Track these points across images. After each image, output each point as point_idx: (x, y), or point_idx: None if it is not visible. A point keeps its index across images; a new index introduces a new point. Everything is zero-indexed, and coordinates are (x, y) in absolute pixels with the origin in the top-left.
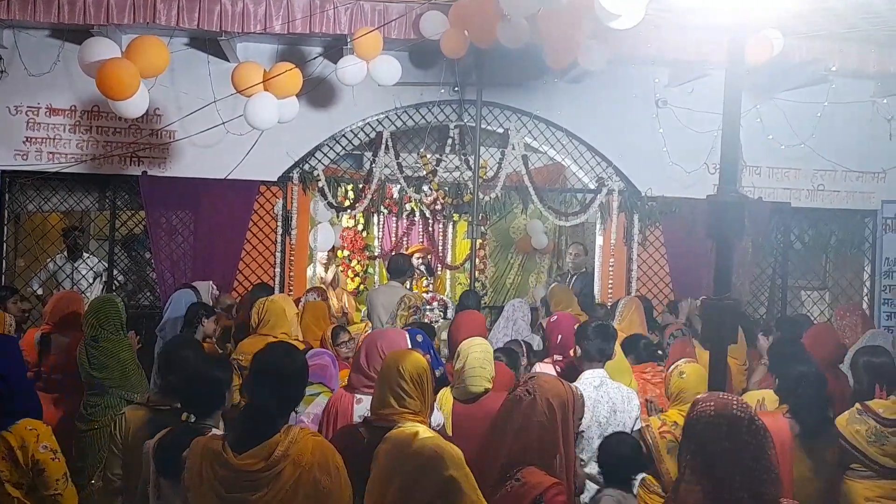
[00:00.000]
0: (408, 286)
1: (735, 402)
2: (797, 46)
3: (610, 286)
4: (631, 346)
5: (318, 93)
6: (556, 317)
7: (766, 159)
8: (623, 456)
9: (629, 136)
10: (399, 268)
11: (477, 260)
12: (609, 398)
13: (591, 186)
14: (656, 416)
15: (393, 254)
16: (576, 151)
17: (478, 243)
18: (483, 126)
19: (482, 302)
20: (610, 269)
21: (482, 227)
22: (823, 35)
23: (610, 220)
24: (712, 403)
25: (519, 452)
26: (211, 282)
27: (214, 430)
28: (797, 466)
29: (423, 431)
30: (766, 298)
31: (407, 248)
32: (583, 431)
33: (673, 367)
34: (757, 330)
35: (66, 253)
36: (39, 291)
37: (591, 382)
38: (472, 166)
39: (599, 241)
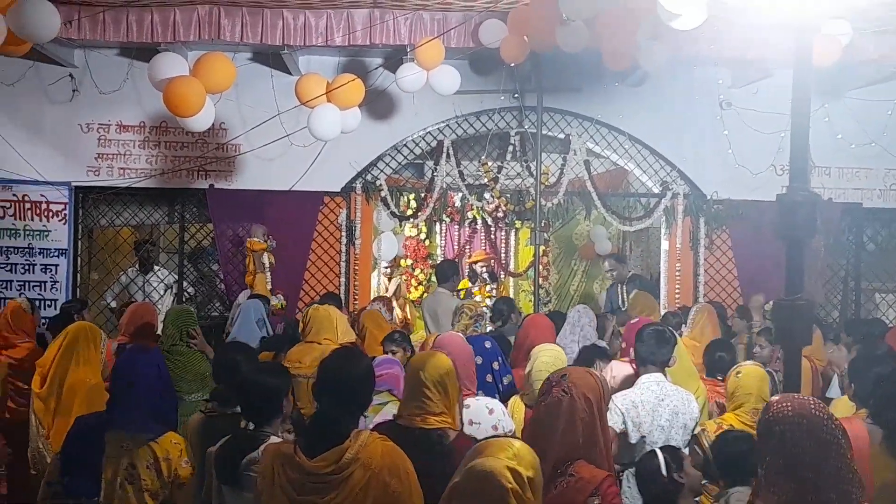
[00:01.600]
0: (465, 294)
1: (812, 402)
2: (865, 43)
3: (677, 292)
4: (707, 357)
5: (379, 103)
6: (636, 320)
7: (836, 159)
8: (744, 452)
9: (693, 138)
10: (445, 274)
11: (540, 267)
12: (670, 401)
13: (655, 190)
14: (712, 420)
15: (440, 261)
16: (639, 155)
17: (541, 250)
18: (544, 132)
19: (545, 309)
20: (676, 274)
21: (545, 234)
22: (892, 30)
23: (675, 224)
24: (789, 404)
25: (567, 451)
26: (279, 293)
27: (273, 438)
28: (881, 473)
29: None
30: (838, 301)
31: (469, 256)
32: (644, 437)
33: (733, 368)
34: (827, 335)
35: (137, 266)
36: (113, 304)
37: (649, 386)
38: (534, 173)
39: (665, 245)
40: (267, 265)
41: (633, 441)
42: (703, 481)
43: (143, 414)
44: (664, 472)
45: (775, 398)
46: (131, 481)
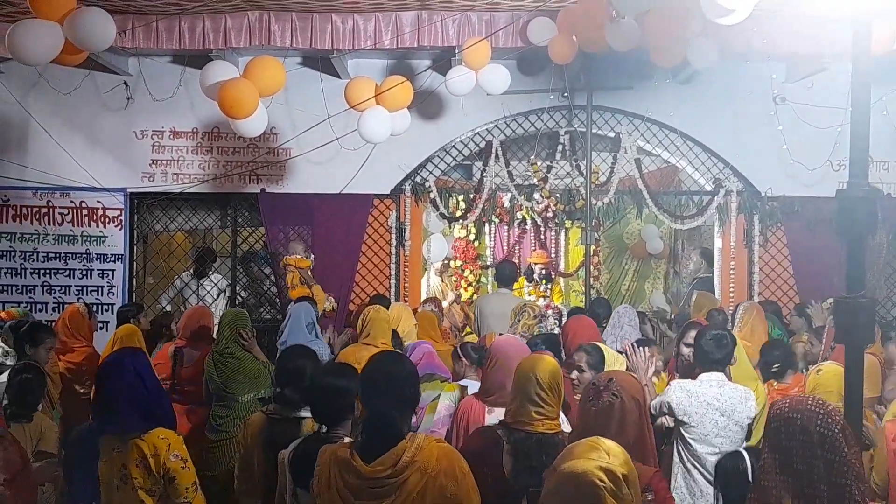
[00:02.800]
0: (525, 294)
1: (811, 400)
2: None
3: (731, 290)
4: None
5: (427, 105)
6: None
7: (894, 153)
8: None
9: (746, 135)
10: (508, 275)
11: (591, 266)
12: (727, 398)
13: (708, 188)
14: None
15: (501, 261)
16: (690, 153)
17: (591, 250)
18: (594, 131)
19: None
20: (731, 272)
21: (595, 233)
22: None
23: (728, 222)
24: (787, 402)
25: None
26: (331, 295)
27: (347, 439)
28: None
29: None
30: None
31: (519, 256)
32: (707, 434)
33: (814, 367)
34: (888, 333)
35: (192, 271)
36: (168, 308)
37: (709, 381)
38: (584, 172)
39: (718, 243)
40: (313, 280)
41: (669, 425)
42: None
43: (128, 409)
44: (750, 477)
45: (780, 399)
46: (125, 481)
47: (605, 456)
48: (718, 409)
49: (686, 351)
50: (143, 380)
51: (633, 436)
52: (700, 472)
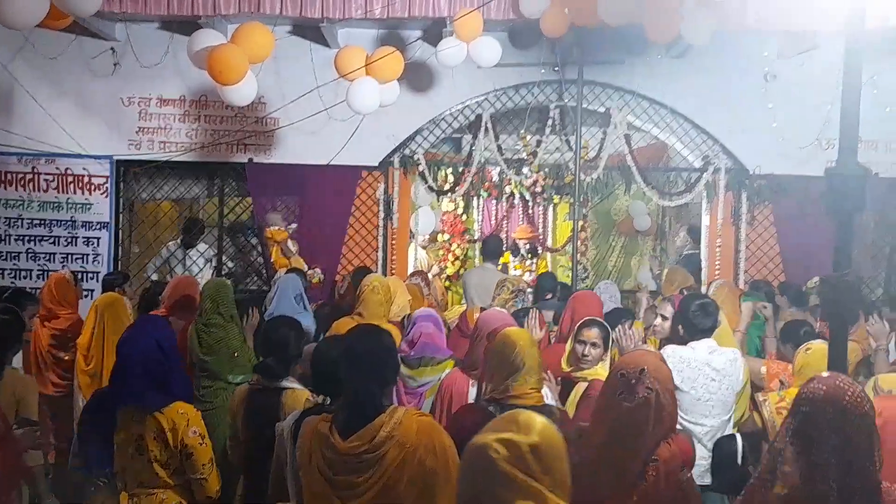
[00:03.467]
0: (510, 269)
1: (849, 393)
2: None
3: (717, 268)
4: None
5: (417, 77)
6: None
7: (884, 133)
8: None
9: (736, 112)
10: (493, 249)
11: (578, 242)
12: (720, 360)
13: (697, 165)
14: (776, 392)
15: (487, 236)
16: (680, 129)
17: (579, 225)
18: (584, 106)
19: (583, 284)
20: (717, 250)
21: (583, 209)
22: None
23: (716, 199)
24: (823, 387)
25: (656, 443)
26: (317, 267)
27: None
28: None
29: None
30: (882, 279)
31: (506, 231)
32: (699, 399)
33: (804, 345)
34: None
35: (179, 240)
36: (154, 277)
37: (701, 350)
38: (573, 147)
39: (706, 221)
40: (294, 250)
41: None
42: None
43: (145, 384)
44: (739, 461)
45: (820, 375)
46: (141, 452)
47: (514, 428)
48: (713, 369)
49: (659, 322)
50: (164, 353)
51: (669, 425)
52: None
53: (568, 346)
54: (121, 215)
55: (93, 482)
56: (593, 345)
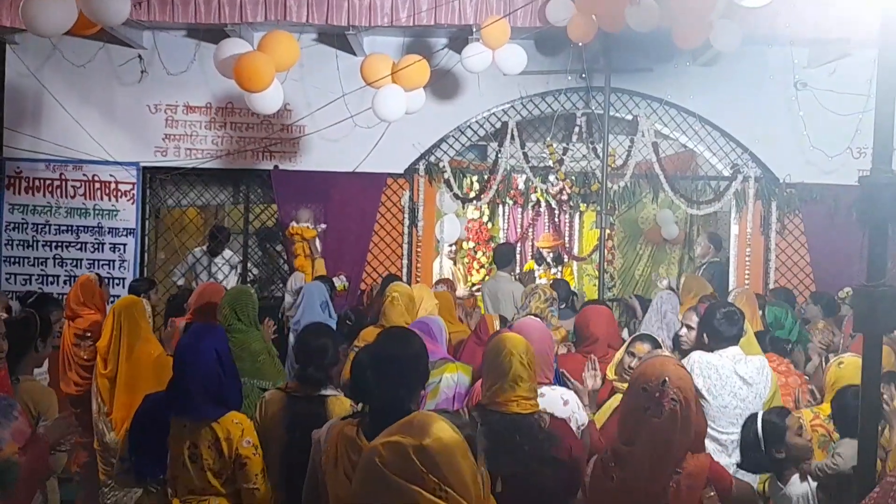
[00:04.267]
0: (535, 277)
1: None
2: None
3: (747, 277)
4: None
5: (443, 84)
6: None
7: None
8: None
9: (766, 120)
10: (504, 258)
11: (605, 251)
12: (748, 368)
13: (725, 174)
14: (809, 409)
15: (498, 244)
16: (709, 137)
17: (606, 233)
18: (611, 113)
19: (610, 293)
20: (747, 259)
21: (610, 217)
22: None
23: (745, 208)
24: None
25: (683, 454)
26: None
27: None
28: None
29: None
30: None
31: (532, 239)
32: (726, 407)
33: (834, 358)
34: None
35: (205, 247)
36: (181, 283)
37: (728, 358)
38: (600, 154)
39: (735, 230)
40: (319, 250)
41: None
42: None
43: (203, 397)
44: (762, 446)
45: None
46: (194, 460)
47: (406, 430)
48: (740, 377)
49: (685, 333)
50: (222, 364)
51: (696, 434)
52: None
53: (617, 356)
54: (147, 222)
55: (145, 487)
56: (641, 359)
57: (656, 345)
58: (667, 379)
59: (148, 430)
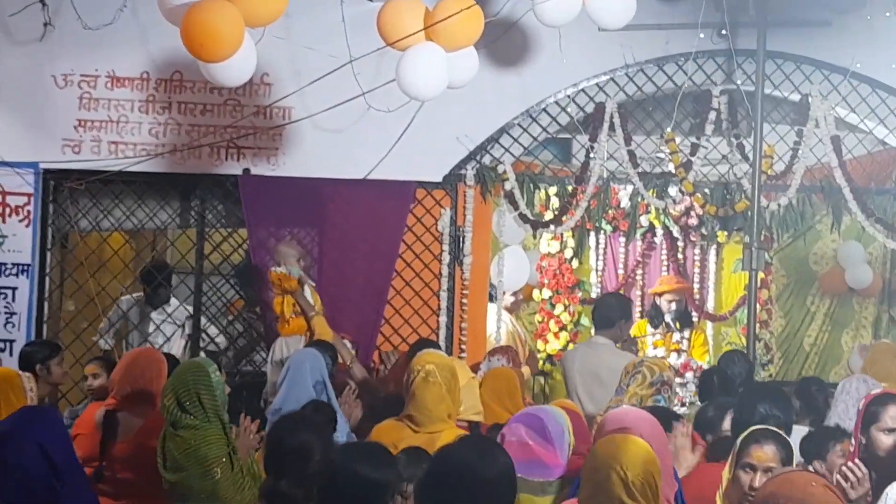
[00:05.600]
0: (647, 347)
1: None
2: None
3: None
4: None
5: (505, 45)
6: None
7: None
8: None
9: None
10: (609, 315)
11: (757, 306)
12: None
13: None
14: None
15: (604, 294)
16: None
17: (758, 278)
18: (767, 91)
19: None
20: None
21: (766, 254)
22: None
23: None
24: None
25: None
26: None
27: None
28: None
29: None
30: None
31: (642, 286)
32: None
33: None
34: None
35: (136, 295)
36: (107, 344)
37: None
38: (750, 155)
39: None
40: (315, 306)
41: None
42: None
43: None
44: None
45: None
46: None
47: None
48: None
49: (884, 438)
50: (52, 464)
51: None
52: None
53: (725, 475)
54: (49, 254)
55: None
56: (767, 471)
57: (787, 447)
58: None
59: None
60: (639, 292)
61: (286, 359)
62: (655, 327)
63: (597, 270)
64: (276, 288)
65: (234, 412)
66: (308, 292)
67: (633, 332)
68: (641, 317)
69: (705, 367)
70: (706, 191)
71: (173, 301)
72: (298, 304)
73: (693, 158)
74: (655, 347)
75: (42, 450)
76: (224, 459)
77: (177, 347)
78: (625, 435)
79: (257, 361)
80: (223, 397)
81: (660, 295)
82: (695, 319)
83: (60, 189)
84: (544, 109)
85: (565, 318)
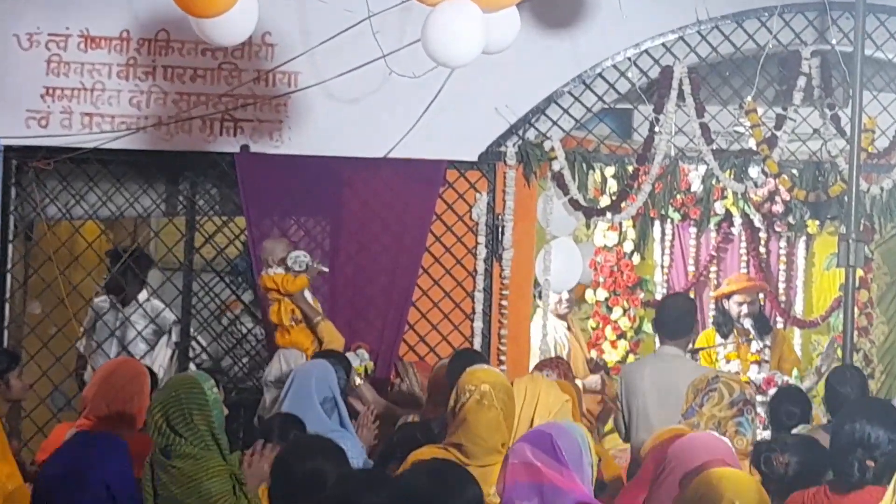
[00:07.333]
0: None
1: None
2: None
3: None
4: None
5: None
6: None
7: None
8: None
9: None
10: (676, 320)
11: (855, 310)
12: None
13: None
14: None
15: (670, 295)
16: None
17: (857, 277)
18: (867, 52)
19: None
20: None
21: (866, 247)
22: None
23: None
24: None
25: None
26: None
27: None
28: None
29: None
30: None
31: (715, 284)
32: None
33: None
34: None
35: (112, 296)
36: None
37: None
38: (847, 129)
39: None
40: (320, 310)
41: None
42: None
43: None
44: None
45: None
46: None
47: None
48: None
49: None
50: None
51: None
52: None
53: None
54: (10, 246)
55: None
56: None
57: None
58: None
59: None
60: (713, 293)
61: (285, 376)
62: (725, 336)
63: (662, 267)
64: (271, 294)
65: (230, 434)
66: (308, 295)
67: (699, 342)
68: (711, 323)
69: (790, 380)
70: (794, 172)
71: (152, 303)
72: (299, 308)
73: (778, 133)
74: (728, 361)
75: (108, 491)
76: (229, 494)
77: (162, 357)
78: (733, 469)
79: (258, 375)
80: (220, 418)
81: (728, 297)
82: (779, 326)
83: (24, 170)
84: (600, 74)
85: (624, 323)
